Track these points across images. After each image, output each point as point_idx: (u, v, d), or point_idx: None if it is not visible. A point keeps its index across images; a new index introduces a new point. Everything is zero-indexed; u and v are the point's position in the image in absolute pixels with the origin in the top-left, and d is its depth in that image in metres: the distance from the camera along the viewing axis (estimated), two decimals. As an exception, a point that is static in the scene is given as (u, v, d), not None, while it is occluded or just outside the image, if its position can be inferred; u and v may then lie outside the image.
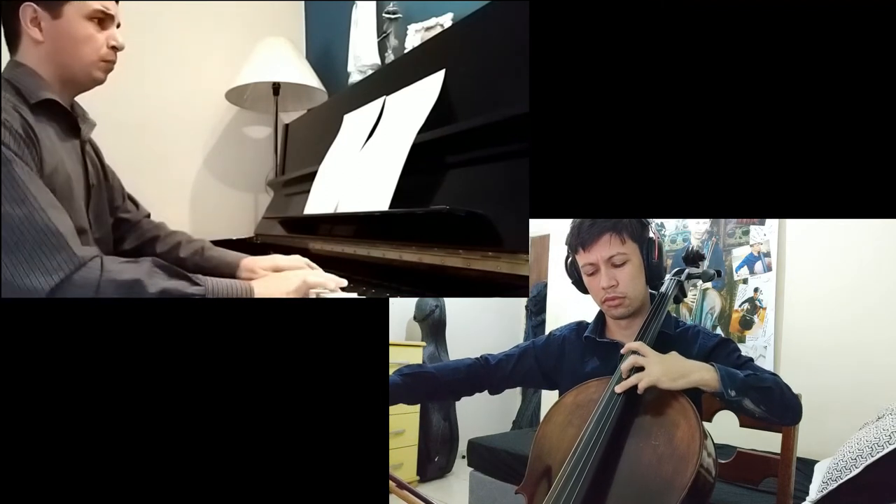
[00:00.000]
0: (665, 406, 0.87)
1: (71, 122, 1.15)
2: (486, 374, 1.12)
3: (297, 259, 1.29)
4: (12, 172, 0.91)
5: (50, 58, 1.09)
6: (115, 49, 1.13)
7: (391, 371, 1.04)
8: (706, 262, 1.29)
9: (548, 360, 1.11)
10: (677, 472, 0.79)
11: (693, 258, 1.22)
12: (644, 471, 0.81)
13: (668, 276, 1.11)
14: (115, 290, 0.89)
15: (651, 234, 1.02)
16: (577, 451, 0.83)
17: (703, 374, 0.87)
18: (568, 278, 1.10)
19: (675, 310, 2.26)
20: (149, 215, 1.45)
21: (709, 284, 2.33)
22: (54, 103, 1.09)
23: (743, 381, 0.88)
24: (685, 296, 1.15)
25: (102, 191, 1.27)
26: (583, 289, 1.08)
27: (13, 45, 1.10)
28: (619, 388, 0.88)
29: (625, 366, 0.90)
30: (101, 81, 1.15)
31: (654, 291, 1.07)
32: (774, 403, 0.89)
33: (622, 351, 0.93)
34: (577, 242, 1.02)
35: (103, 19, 1.11)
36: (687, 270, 1.17)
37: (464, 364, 1.12)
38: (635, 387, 0.86)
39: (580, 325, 1.13)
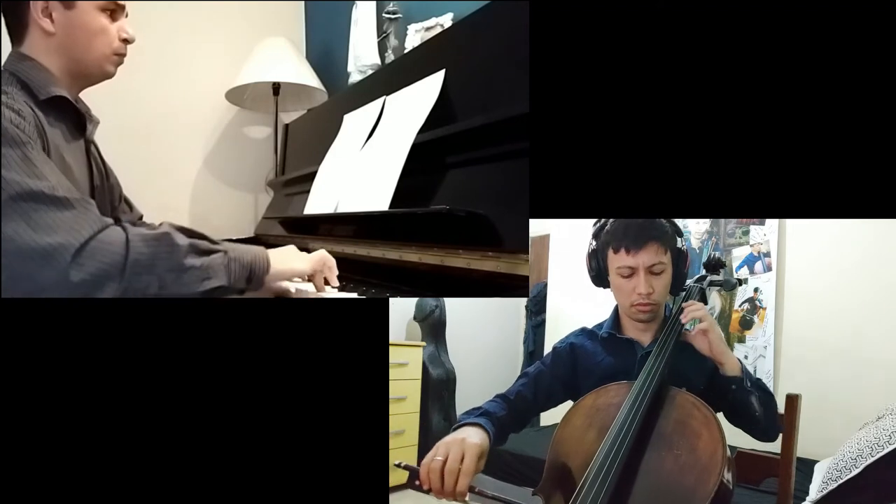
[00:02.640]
0: (687, 416, 0.86)
1: (79, 120, 1.11)
2: (511, 412, 1.04)
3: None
4: (27, 153, 0.85)
5: (61, 51, 1.03)
6: (126, 42, 1.10)
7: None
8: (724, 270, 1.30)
9: (564, 372, 1.09)
10: (700, 482, 0.78)
11: (714, 265, 1.22)
12: (666, 480, 0.80)
13: (690, 282, 1.12)
14: (146, 245, 0.83)
15: (682, 245, 1.03)
16: (601, 458, 0.82)
17: (732, 356, 0.97)
18: (582, 271, 1.10)
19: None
20: (141, 217, 1.43)
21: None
22: (64, 100, 1.04)
23: (756, 379, 0.97)
24: (706, 303, 1.16)
25: (105, 192, 1.24)
26: (600, 283, 1.08)
27: (18, 36, 1.04)
28: (685, 319, 0.98)
29: (691, 310, 0.99)
30: (111, 76, 1.11)
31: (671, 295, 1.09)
32: (771, 411, 0.98)
33: (691, 312, 0.99)
34: (620, 244, 1.00)
35: (115, 10, 1.07)
36: (709, 278, 1.18)
37: (498, 404, 1.04)
38: (658, 394, 0.88)
39: (585, 330, 1.13)
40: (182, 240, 0.86)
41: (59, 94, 1.02)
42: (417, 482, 0.82)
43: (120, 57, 1.10)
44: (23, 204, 0.81)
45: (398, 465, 0.86)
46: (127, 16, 1.10)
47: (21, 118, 0.89)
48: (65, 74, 1.05)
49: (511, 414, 1.01)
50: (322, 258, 1.09)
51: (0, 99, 0.88)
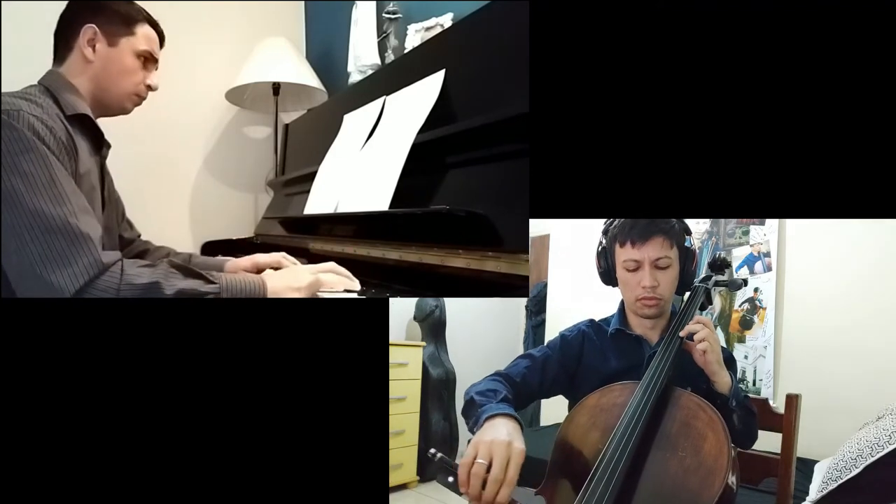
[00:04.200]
0: (693, 417, 0.86)
1: (97, 139, 1.22)
2: (514, 393, 1.02)
3: (276, 256, 1.34)
4: (53, 175, 0.96)
5: (94, 79, 1.17)
6: (149, 88, 1.25)
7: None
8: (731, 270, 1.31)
9: (571, 363, 1.08)
10: (705, 485, 0.77)
11: (720, 265, 1.23)
12: (670, 482, 0.80)
13: (695, 282, 1.12)
14: (134, 293, 0.94)
15: (689, 244, 1.04)
16: (605, 459, 0.81)
17: (725, 374, 0.95)
18: (592, 267, 1.11)
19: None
20: (139, 236, 1.53)
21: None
22: (88, 119, 1.15)
23: (742, 399, 0.97)
24: (711, 303, 1.16)
25: (113, 207, 1.35)
26: (608, 280, 1.08)
27: (60, 58, 1.18)
28: (683, 333, 0.96)
29: (691, 326, 0.97)
30: (127, 112, 1.26)
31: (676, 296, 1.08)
32: (751, 428, 1.00)
33: (690, 326, 0.97)
34: (626, 237, 1.01)
35: (148, 60, 1.23)
36: (714, 278, 1.18)
37: (500, 383, 1.01)
38: (663, 393, 0.88)
39: (594, 323, 1.13)
40: (170, 288, 0.95)
41: (84, 112, 1.14)
42: (451, 479, 0.77)
43: (140, 99, 1.26)
44: (40, 234, 0.93)
45: (431, 455, 0.79)
46: (157, 69, 1.27)
47: (52, 135, 1.00)
48: (91, 99, 1.18)
49: (514, 398, 0.99)
50: (314, 283, 1.13)
51: (36, 113, 1.00)
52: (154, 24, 1.25)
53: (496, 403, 0.89)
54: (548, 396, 1.09)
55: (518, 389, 1.02)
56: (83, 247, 0.94)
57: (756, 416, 1.02)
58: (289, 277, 1.12)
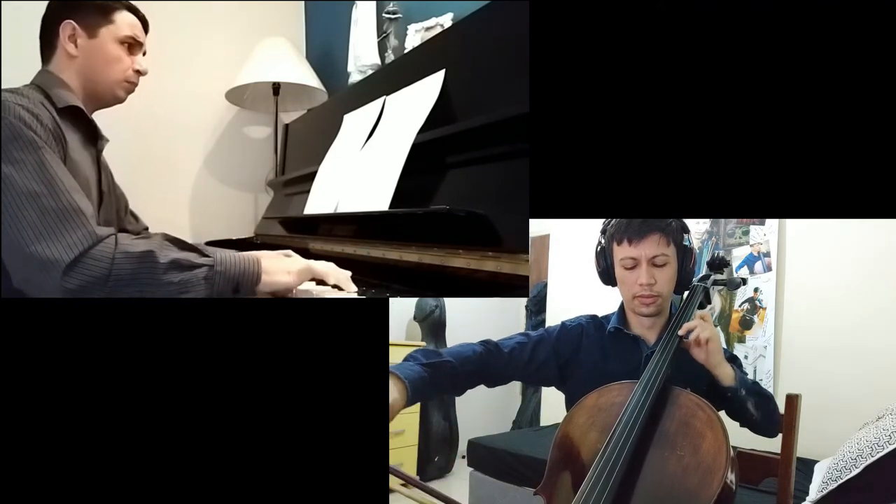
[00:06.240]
0: (691, 416, 0.86)
1: (91, 131, 1.23)
2: (497, 364, 1.02)
3: (281, 252, 1.31)
4: (42, 158, 0.98)
5: (80, 72, 1.19)
6: (138, 73, 1.25)
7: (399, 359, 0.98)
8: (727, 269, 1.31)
9: (565, 352, 1.08)
10: (703, 484, 0.77)
11: (718, 264, 1.23)
12: (669, 481, 0.80)
13: (694, 281, 1.12)
14: (129, 262, 0.94)
15: (688, 243, 1.04)
16: (603, 458, 0.81)
17: (727, 367, 0.96)
18: (592, 267, 1.11)
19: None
20: (147, 229, 1.52)
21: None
22: (79, 111, 1.17)
23: (751, 385, 1.00)
24: (710, 302, 1.16)
25: (112, 200, 1.35)
26: (607, 279, 1.08)
27: (47, 57, 1.20)
28: (682, 331, 0.95)
29: (688, 324, 0.97)
30: (121, 100, 1.26)
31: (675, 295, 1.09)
32: (769, 412, 1.01)
33: (689, 323, 0.97)
34: (623, 235, 1.02)
35: (133, 45, 1.24)
36: (713, 276, 1.18)
37: (473, 351, 1.01)
38: (661, 393, 0.88)
39: (595, 319, 1.13)
40: (164, 257, 0.94)
41: (74, 104, 1.15)
42: None
43: (131, 85, 1.25)
44: (33, 214, 0.94)
45: None
46: (145, 54, 1.27)
47: (38, 122, 1.01)
48: (81, 93, 1.20)
49: (489, 367, 1.00)
50: (305, 270, 1.09)
51: (22, 103, 1.01)
52: (133, 10, 1.26)
53: (412, 363, 0.94)
54: (535, 381, 1.11)
55: (503, 361, 1.02)
56: (76, 220, 0.95)
57: (773, 400, 1.02)
58: (283, 261, 1.11)
